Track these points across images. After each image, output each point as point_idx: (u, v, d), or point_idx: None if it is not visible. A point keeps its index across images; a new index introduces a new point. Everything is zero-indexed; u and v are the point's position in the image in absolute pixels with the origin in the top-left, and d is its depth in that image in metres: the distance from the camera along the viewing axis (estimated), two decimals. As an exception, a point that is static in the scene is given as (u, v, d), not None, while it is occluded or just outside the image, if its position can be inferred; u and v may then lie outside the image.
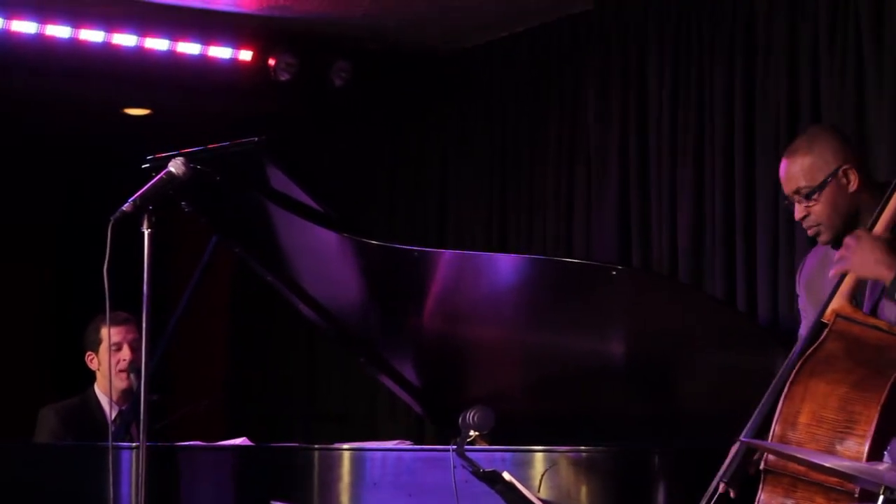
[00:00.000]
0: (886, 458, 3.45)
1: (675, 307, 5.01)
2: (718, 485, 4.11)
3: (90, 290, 4.64)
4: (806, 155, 4.20)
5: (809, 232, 4.28)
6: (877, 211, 4.07)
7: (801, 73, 5.58)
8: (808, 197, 4.20)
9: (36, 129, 7.85)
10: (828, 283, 4.24)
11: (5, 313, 8.84)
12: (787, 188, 4.25)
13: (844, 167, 4.17)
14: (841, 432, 3.90)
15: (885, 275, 4.00)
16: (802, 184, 4.20)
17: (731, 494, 4.05)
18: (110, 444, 4.69)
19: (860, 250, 4.03)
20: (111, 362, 5.70)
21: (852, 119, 5.31)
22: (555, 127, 6.64)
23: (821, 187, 4.18)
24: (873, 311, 4.15)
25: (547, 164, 6.66)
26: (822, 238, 4.26)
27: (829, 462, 3.59)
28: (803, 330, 4.41)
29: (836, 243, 4.19)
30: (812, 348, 4.03)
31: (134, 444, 4.96)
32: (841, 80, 5.43)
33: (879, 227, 4.06)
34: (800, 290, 4.44)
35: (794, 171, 4.21)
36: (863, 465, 3.66)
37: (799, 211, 4.23)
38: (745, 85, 5.78)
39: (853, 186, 4.17)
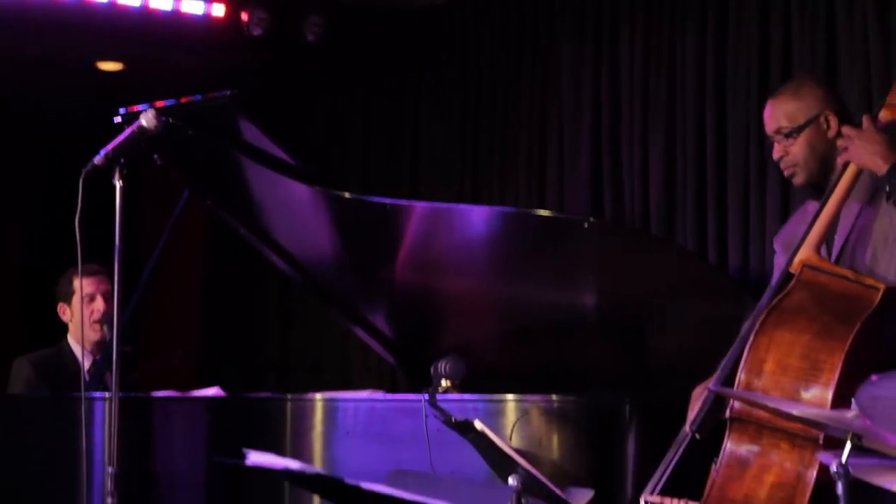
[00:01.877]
0: (854, 405, 3.44)
1: (647, 259, 5.01)
2: (689, 432, 4.13)
3: (63, 244, 4.61)
4: (791, 98, 4.29)
5: (786, 173, 4.34)
6: None
7: (773, 27, 5.55)
8: (787, 136, 4.27)
9: (7, 83, 7.78)
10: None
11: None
12: (769, 127, 4.32)
13: (826, 113, 4.25)
14: (805, 380, 3.92)
15: (878, 165, 4.06)
16: (784, 124, 4.28)
17: (697, 437, 4.07)
18: (83, 394, 4.67)
19: (861, 139, 4.10)
20: (84, 313, 5.69)
21: (823, 73, 5.28)
22: (527, 82, 6.60)
23: (800, 129, 4.26)
24: (840, 257, 4.17)
25: (520, 119, 6.62)
26: (797, 179, 4.32)
27: (798, 410, 3.59)
28: (773, 283, 4.43)
29: (815, 190, 4.27)
30: (778, 298, 4.05)
31: (107, 394, 4.93)
32: (812, 36, 5.41)
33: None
34: (777, 245, 4.45)
35: (778, 112, 4.30)
36: (831, 412, 3.66)
37: (777, 150, 4.31)
38: (716, 40, 5.76)
39: (832, 132, 4.24)
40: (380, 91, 7.39)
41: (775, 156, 4.33)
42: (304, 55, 7.12)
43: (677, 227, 5.85)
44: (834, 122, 4.24)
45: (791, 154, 4.29)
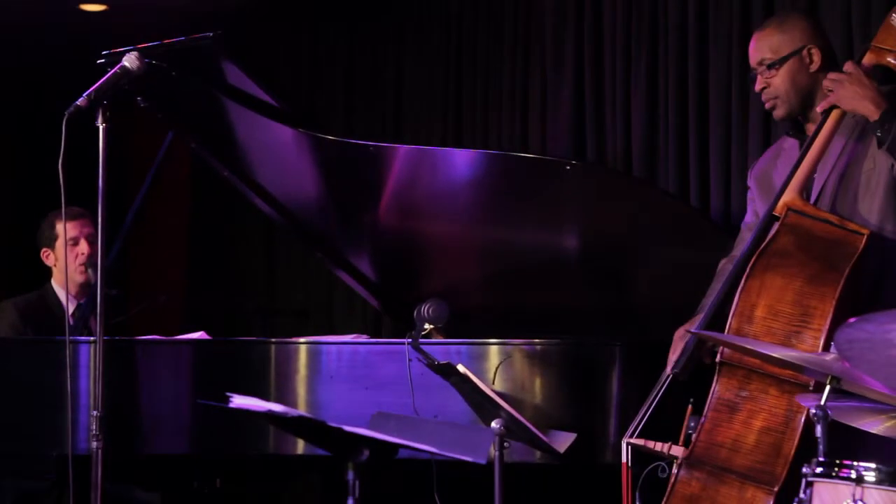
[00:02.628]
0: (833, 348, 3.45)
1: (629, 202, 5.01)
2: (670, 374, 4.14)
3: (44, 186, 4.58)
4: (775, 31, 4.29)
5: (766, 105, 4.34)
6: None
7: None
8: (769, 68, 4.27)
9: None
10: (779, 175, 4.25)
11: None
12: (753, 60, 4.32)
13: (810, 47, 4.24)
14: (797, 325, 3.92)
15: (870, 111, 4.05)
16: (767, 56, 4.27)
17: (679, 378, 4.09)
18: (67, 338, 4.65)
19: (849, 82, 4.08)
20: (69, 257, 5.67)
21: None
22: (510, 23, 6.56)
23: (783, 60, 4.25)
24: (820, 197, 4.17)
25: (502, 61, 6.59)
26: (777, 112, 4.32)
27: (776, 352, 3.60)
28: (747, 218, 4.44)
29: (796, 129, 4.30)
30: (765, 242, 4.04)
31: (92, 338, 4.92)
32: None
33: None
34: (751, 182, 4.46)
35: (762, 44, 4.30)
36: (810, 355, 3.67)
37: (759, 82, 4.31)
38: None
39: (815, 66, 4.24)
40: (363, 33, 7.35)
41: (756, 87, 4.32)
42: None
43: (659, 169, 5.83)
44: (817, 56, 4.23)
45: (773, 86, 4.27)
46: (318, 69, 7.60)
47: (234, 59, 5.10)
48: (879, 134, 4.02)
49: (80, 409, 4.90)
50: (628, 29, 5.98)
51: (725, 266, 4.39)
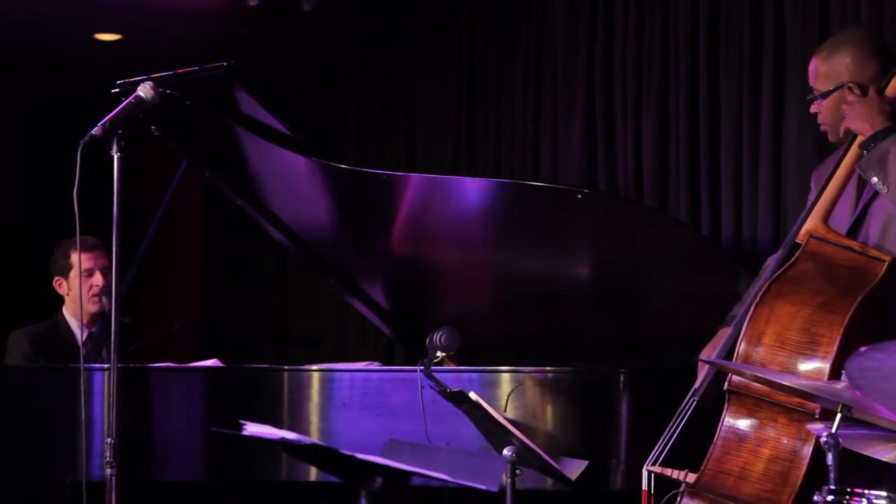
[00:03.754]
0: (843, 376, 3.45)
1: (640, 230, 5.01)
2: (692, 401, 4.12)
3: (55, 214, 4.61)
4: (823, 62, 4.34)
5: (821, 128, 4.38)
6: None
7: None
8: (819, 97, 4.33)
9: (8, 51, 7.76)
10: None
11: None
12: (810, 82, 4.39)
13: (850, 84, 4.25)
14: (803, 353, 3.91)
15: (864, 129, 4.10)
16: (815, 85, 4.34)
17: (703, 405, 4.07)
18: (82, 365, 4.67)
19: (859, 104, 4.14)
20: (83, 288, 5.66)
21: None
22: (522, 53, 6.58)
23: (825, 95, 4.31)
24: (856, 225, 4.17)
25: (515, 90, 6.60)
26: (830, 137, 4.37)
27: (785, 380, 3.59)
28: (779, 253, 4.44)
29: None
30: (782, 269, 4.04)
31: (106, 365, 4.93)
32: (804, 8, 5.39)
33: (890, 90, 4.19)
34: (813, 183, 4.46)
35: (811, 72, 4.37)
36: (821, 383, 3.66)
37: (813, 107, 4.38)
38: (708, 16, 5.72)
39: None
40: (375, 61, 7.38)
41: (812, 110, 4.39)
42: (301, 25, 7.10)
43: (670, 198, 5.84)
44: (859, 94, 4.23)
45: (822, 114, 4.34)
46: (331, 95, 7.62)
47: (248, 88, 5.12)
48: (865, 152, 4.06)
49: (94, 436, 4.91)
50: (639, 59, 5.99)
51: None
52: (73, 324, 5.78)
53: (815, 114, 4.38)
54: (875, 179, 4.06)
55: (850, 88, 4.25)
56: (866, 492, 3.29)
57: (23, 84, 8.39)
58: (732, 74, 5.60)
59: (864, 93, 4.24)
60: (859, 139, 4.14)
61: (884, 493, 3.28)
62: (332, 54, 7.56)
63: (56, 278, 5.83)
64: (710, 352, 4.22)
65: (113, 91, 4.78)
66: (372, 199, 5.22)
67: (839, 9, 5.25)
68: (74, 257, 5.65)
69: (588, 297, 5.17)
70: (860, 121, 4.11)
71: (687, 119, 5.77)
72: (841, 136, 4.25)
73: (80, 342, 5.69)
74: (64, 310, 5.84)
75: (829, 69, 4.30)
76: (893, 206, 4.06)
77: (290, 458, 4.85)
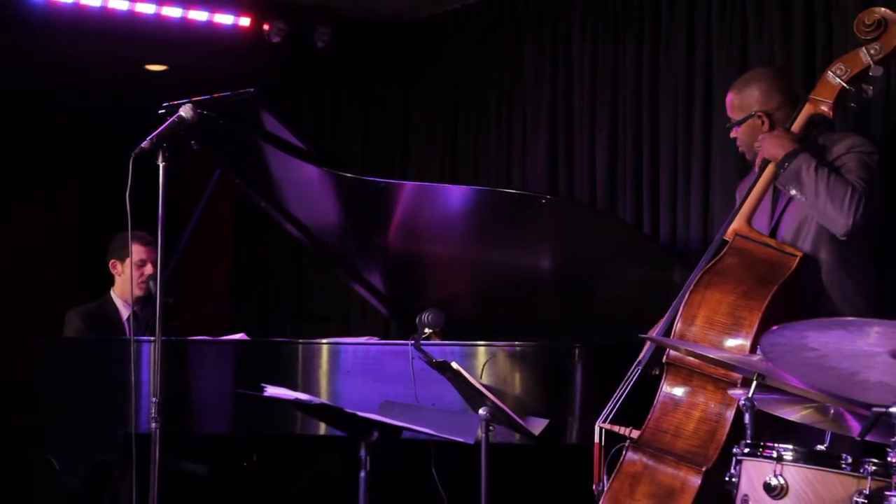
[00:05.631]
0: (759, 351, 3.46)
1: (594, 229, 5.00)
2: (636, 369, 4.12)
3: (111, 214, 4.62)
4: (736, 94, 4.36)
5: (740, 149, 4.40)
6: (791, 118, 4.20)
7: (697, 40, 5.53)
8: (735, 125, 4.34)
9: (73, 82, 7.75)
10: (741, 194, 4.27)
11: (50, 236, 8.80)
12: (727, 112, 4.40)
13: (759, 113, 4.27)
14: (728, 333, 3.92)
15: (778, 154, 4.10)
16: (731, 115, 4.36)
17: (655, 372, 4.06)
18: (132, 337, 4.66)
19: (770, 137, 4.15)
20: (134, 274, 5.63)
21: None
22: (496, 84, 6.57)
23: (739, 123, 4.33)
24: (775, 228, 4.17)
25: (491, 114, 6.59)
26: (748, 156, 4.38)
27: (713, 354, 3.60)
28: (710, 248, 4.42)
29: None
30: (712, 262, 4.05)
31: (151, 338, 4.92)
32: (728, 55, 5.38)
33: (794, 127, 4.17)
34: (738, 195, 4.45)
35: (728, 104, 4.39)
36: (740, 356, 3.67)
37: (732, 133, 4.39)
38: (650, 53, 5.72)
39: (765, 129, 4.26)
40: (377, 89, 7.36)
41: (731, 136, 4.40)
42: (315, 59, 7.08)
43: (618, 203, 5.84)
44: (766, 121, 4.28)
45: (739, 139, 4.36)
46: (337, 119, 7.60)
47: (271, 109, 5.12)
48: (780, 171, 4.06)
49: (141, 397, 4.90)
50: (594, 91, 5.99)
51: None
52: (119, 303, 5.74)
53: (735, 137, 4.40)
54: (794, 192, 4.07)
55: (759, 117, 4.27)
56: (776, 445, 3.29)
57: (89, 108, 8.38)
58: (669, 105, 5.61)
59: (771, 120, 4.26)
60: (772, 164, 4.14)
61: (790, 446, 3.29)
62: (340, 82, 7.54)
63: (112, 261, 5.79)
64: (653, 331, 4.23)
65: (160, 112, 4.77)
66: (372, 203, 5.21)
67: (757, 51, 5.26)
68: (133, 247, 5.61)
69: (550, 285, 5.16)
70: (772, 149, 4.12)
71: (633, 139, 5.77)
72: (758, 158, 4.25)
73: (123, 320, 5.67)
74: (112, 291, 5.79)
75: (741, 101, 4.32)
76: (810, 211, 4.07)
77: (303, 416, 4.84)
